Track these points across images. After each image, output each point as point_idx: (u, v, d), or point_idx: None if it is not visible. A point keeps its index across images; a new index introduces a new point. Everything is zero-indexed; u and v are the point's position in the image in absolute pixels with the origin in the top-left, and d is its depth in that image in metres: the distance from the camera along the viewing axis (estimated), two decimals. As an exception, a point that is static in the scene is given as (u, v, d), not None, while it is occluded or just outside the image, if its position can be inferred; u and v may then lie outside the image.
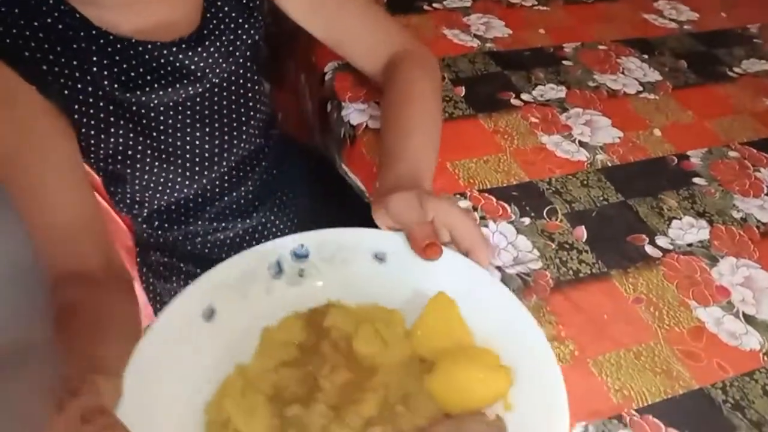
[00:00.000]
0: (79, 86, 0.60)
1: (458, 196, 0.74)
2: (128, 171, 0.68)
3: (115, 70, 0.62)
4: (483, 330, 0.52)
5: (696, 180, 0.81)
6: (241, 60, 0.72)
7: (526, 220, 0.72)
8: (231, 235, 0.81)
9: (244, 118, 0.75)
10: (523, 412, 0.47)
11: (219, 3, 0.69)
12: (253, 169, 0.80)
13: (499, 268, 0.67)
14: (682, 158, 0.84)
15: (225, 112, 0.73)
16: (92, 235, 0.63)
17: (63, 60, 0.59)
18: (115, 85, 0.62)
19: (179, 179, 0.72)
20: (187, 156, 0.71)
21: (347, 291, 0.54)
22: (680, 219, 0.75)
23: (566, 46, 1.03)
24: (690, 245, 0.72)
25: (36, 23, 0.57)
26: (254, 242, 0.82)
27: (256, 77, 0.76)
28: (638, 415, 0.56)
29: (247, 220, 0.81)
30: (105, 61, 0.61)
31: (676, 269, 0.69)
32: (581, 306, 0.64)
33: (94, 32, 0.60)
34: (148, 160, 0.68)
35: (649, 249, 0.71)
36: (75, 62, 0.59)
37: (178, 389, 0.47)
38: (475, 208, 0.73)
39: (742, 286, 0.68)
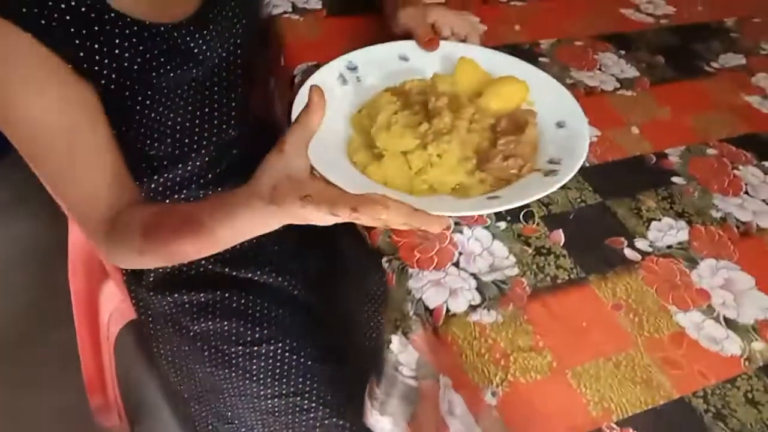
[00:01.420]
0: (96, 69, 0.63)
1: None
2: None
3: (132, 51, 0.65)
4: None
5: (674, 179, 0.79)
6: (239, 41, 0.76)
7: (502, 225, 0.70)
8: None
9: (235, 102, 0.80)
10: (545, 108, 0.74)
11: None
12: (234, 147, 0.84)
13: (474, 275, 0.65)
14: (660, 156, 0.82)
15: (224, 92, 0.78)
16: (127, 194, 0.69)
17: (87, 43, 0.61)
18: (135, 67, 0.65)
19: (165, 161, 0.76)
20: (178, 135, 0.75)
21: (392, 80, 0.77)
22: (659, 220, 0.73)
23: (542, 42, 1.01)
24: (669, 247, 0.70)
25: (63, 5, 0.59)
26: None
27: (248, 59, 0.80)
28: (618, 428, 0.54)
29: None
30: (125, 44, 0.64)
31: (656, 272, 0.67)
32: (559, 314, 0.62)
33: (113, 14, 0.63)
34: (140, 138, 0.71)
35: (628, 252, 0.69)
36: (96, 45, 0.62)
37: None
38: (449, 214, 0.70)
39: (723, 289, 0.67)
